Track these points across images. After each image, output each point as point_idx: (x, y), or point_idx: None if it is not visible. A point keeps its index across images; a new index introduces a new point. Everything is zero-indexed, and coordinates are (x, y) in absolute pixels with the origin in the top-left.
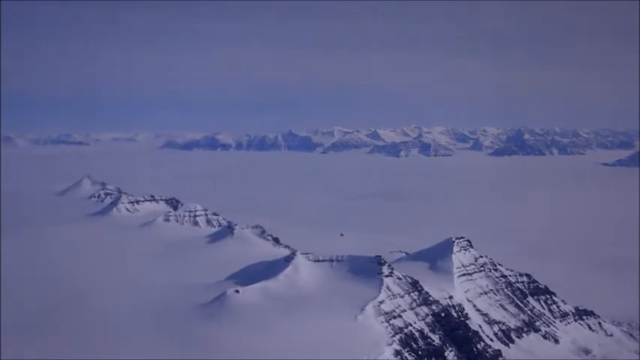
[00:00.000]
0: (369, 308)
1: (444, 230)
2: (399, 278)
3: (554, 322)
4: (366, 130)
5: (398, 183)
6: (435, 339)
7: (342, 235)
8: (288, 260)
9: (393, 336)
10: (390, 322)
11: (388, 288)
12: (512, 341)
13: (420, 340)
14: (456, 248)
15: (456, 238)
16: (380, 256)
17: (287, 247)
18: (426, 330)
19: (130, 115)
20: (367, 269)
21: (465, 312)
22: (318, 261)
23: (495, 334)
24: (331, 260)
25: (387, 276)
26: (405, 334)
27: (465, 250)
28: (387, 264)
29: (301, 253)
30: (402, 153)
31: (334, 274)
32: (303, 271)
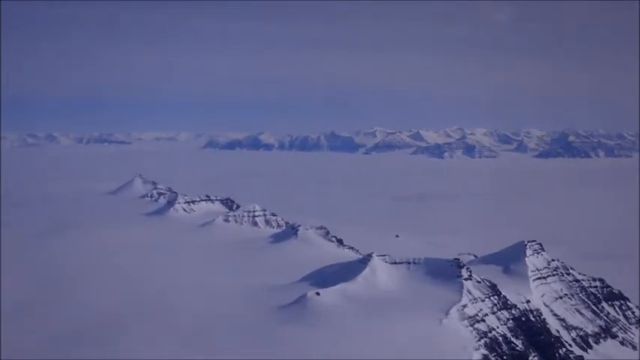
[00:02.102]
0: (454, 312)
1: (499, 232)
2: (478, 282)
3: (630, 328)
4: (408, 131)
5: (445, 184)
6: (518, 344)
7: (397, 236)
8: (364, 262)
9: (479, 340)
10: (475, 326)
11: (469, 292)
12: (591, 347)
13: (503, 345)
14: (528, 251)
15: (528, 241)
16: (458, 259)
17: (351, 248)
18: (509, 335)
19: (170, 114)
20: (446, 272)
21: (542, 317)
22: (395, 263)
23: (573, 340)
24: (408, 262)
25: (466, 279)
26: (490, 338)
27: (538, 253)
28: (465, 267)
29: (377, 255)
30: (447, 154)
31: (412, 277)
32: (381, 274)
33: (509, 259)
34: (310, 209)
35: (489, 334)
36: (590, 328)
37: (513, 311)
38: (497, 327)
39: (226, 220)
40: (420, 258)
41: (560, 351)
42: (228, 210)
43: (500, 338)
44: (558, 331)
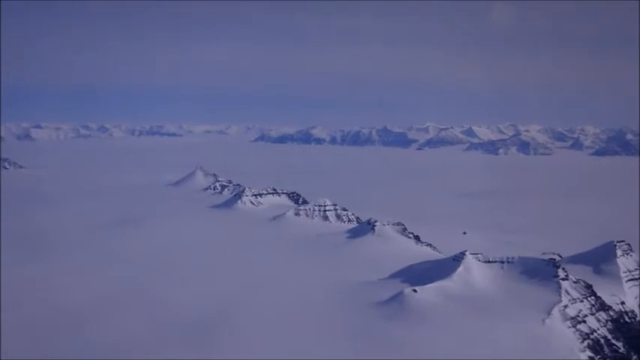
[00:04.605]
0: (555, 312)
1: (567, 231)
2: (575, 282)
3: None
4: (460, 127)
5: (504, 181)
6: (620, 346)
7: (464, 233)
8: (457, 260)
9: (582, 341)
10: (577, 327)
11: (567, 292)
12: None
13: (605, 347)
14: (618, 252)
15: (618, 242)
16: (554, 259)
17: (429, 245)
18: (609, 336)
19: (220, 107)
20: (541, 272)
21: (637, 319)
22: (489, 262)
23: None
24: (501, 261)
25: (563, 279)
26: (592, 340)
27: (627, 254)
28: (561, 267)
29: (470, 254)
30: (501, 151)
31: (507, 276)
32: (475, 272)
33: (600, 259)
34: (372, 204)
35: (591, 336)
36: None
37: (610, 312)
38: (598, 328)
39: (297, 214)
40: (514, 257)
41: None
42: (294, 203)
43: (602, 340)
44: None
